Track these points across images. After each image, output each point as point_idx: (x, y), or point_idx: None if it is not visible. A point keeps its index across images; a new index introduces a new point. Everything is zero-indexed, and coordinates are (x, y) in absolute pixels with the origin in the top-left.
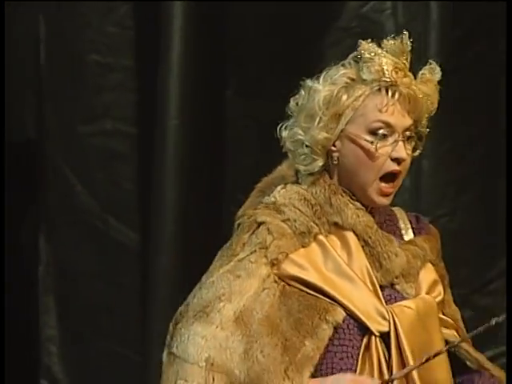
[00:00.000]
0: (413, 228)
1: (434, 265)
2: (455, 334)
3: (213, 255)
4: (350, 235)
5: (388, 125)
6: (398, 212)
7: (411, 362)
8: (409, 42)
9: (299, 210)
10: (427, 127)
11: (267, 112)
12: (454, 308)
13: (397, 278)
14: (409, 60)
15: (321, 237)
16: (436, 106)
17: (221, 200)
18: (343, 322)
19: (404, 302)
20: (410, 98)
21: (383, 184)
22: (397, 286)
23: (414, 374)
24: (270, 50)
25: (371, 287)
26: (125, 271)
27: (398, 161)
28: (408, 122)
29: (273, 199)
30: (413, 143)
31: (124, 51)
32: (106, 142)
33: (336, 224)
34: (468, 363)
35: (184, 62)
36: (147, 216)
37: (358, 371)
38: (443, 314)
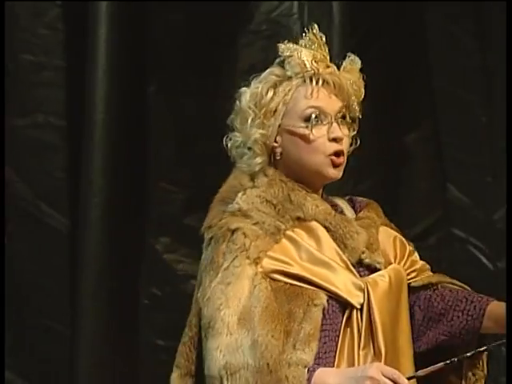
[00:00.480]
0: (353, 209)
1: (387, 225)
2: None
3: (136, 238)
4: (314, 224)
5: (318, 109)
6: (339, 201)
7: (379, 332)
8: (322, 35)
9: (264, 212)
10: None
11: (187, 107)
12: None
13: (363, 253)
14: (327, 51)
15: (288, 232)
16: (363, 91)
17: (145, 187)
18: (328, 304)
19: (378, 273)
20: (334, 84)
21: (333, 157)
22: (366, 261)
23: (381, 342)
24: (189, 50)
25: (343, 265)
26: (56, 253)
27: (335, 140)
28: (338, 104)
29: (237, 206)
30: (348, 126)
31: (55, 51)
32: (39, 134)
33: (299, 218)
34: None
35: (109, 61)
36: (76, 202)
37: (339, 346)
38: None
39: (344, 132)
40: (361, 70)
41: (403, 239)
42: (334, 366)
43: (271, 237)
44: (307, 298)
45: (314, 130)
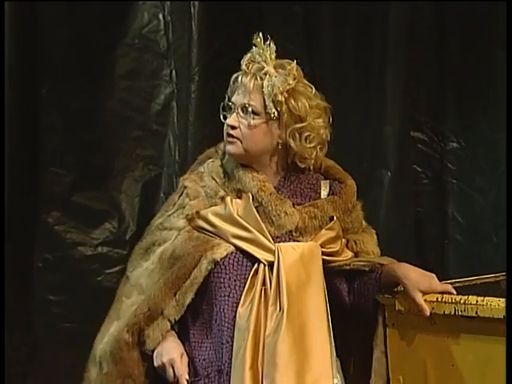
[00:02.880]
0: (329, 193)
1: (339, 219)
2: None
3: (31, 213)
4: (248, 196)
5: (232, 102)
6: (324, 182)
7: (284, 291)
8: (271, 44)
9: (213, 179)
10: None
11: (73, 105)
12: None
13: (296, 232)
14: (267, 56)
15: (227, 198)
16: (277, 92)
17: (38, 171)
18: (229, 258)
19: (292, 244)
20: (245, 83)
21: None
22: (296, 238)
23: (285, 301)
24: (76, 58)
25: (260, 231)
26: None
27: (229, 126)
28: (243, 99)
29: (202, 169)
30: (253, 117)
31: None
32: None
33: (240, 189)
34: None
35: (8, 64)
36: None
37: (244, 293)
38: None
39: (242, 121)
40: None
41: (339, 245)
42: (228, 308)
43: (209, 200)
44: (209, 247)
45: (227, 117)
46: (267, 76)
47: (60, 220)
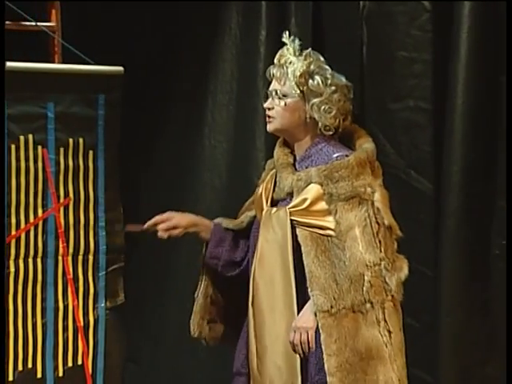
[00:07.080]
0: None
1: (322, 184)
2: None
3: (488, 199)
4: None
5: (269, 90)
6: (335, 156)
7: (258, 250)
8: (293, 39)
9: None
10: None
11: None
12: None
13: (292, 195)
14: (291, 50)
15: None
16: (296, 75)
17: (496, 158)
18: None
19: (278, 207)
20: (274, 72)
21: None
22: (291, 199)
23: (258, 252)
24: None
25: (266, 198)
26: (422, 211)
27: (267, 109)
28: (275, 86)
29: None
30: (283, 100)
31: (424, 48)
32: (410, 116)
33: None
34: None
35: (468, 56)
36: (439, 170)
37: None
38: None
39: (274, 102)
40: None
41: (323, 205)
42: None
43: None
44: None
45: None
46: (291, 64)
47: None
